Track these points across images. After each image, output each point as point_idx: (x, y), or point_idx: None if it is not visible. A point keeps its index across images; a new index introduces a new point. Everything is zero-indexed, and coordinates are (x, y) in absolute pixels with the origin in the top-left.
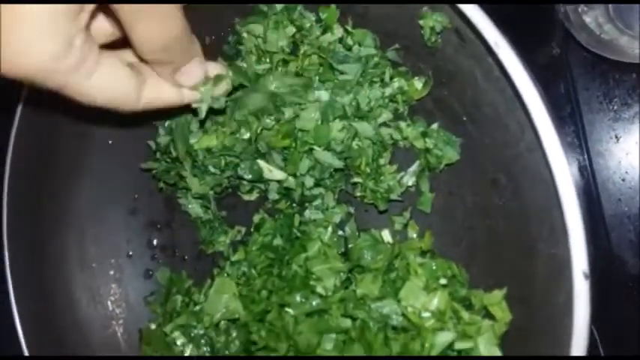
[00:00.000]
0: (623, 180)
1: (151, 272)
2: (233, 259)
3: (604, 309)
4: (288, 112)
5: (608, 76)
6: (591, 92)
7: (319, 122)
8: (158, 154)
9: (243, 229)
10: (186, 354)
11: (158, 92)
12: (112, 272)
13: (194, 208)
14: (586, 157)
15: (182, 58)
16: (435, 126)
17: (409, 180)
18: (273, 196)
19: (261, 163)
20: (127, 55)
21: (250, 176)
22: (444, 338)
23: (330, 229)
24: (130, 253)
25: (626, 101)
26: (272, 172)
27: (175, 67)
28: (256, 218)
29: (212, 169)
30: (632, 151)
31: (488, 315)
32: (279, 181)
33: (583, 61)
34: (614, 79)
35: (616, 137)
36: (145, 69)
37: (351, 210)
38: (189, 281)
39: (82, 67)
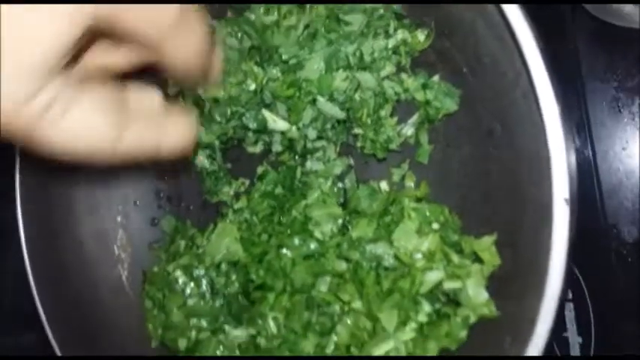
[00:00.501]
0: (624, 149)
1: (156, 220)
2: (236, 206)
3: (599, 276)
4: (292, 62)
5: (613, 44)
6: (595, 61)
7: (323, 72)
8: None
9: (247, 182)
10: (187, 292)
11: (141, 139)
12: (119, 219)
13: (200, 159)
14: (587, 127)
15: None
16: (436, 78)
17: (408, 131)
18: (276, 147)
19: (265, 113)
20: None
21: (255, 125)
22: (433, 277)
23: (330, 180)
24: (137, 201)
25: (629, 72)
26: (276, 122)
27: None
28: (260, 170)
29: (218, 118)
30: (632, 122)
31: (478, 260)
32: (282, 132)
33: (589, 28)
34: (619, 48)
35: (618, 107)
36: (131, 110)
37: (351, 162)
38: (194, 229)
39: (51, 109)
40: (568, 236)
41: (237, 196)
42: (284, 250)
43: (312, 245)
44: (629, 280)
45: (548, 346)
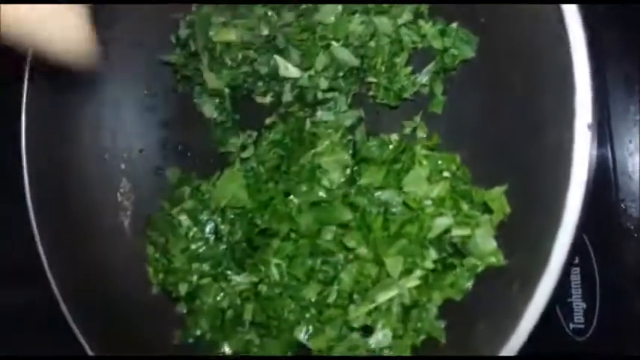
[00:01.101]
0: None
1: (161, 171)
2: (243, 155)
3: (607, 245)
4: (308, 5)
5: None
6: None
7: (339, 15)
8: (178, 50)
9: (255, 134)
10: (190, 236)
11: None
12: (123, 166)
13: (208, 108)
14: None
15: None
16: (454, 25)
17: (423, 78)
18: (286, 97)
19: (278, 58)
20: None
21: (266, 70)
22: (442, 223)
23: (340, 131)
24: (143, 149)
25: None
26: (288, 68)
27: None
28: (268, 121)
29: (229, 62)
30: None
31: (487, 210)
32: (293, 81)
33: None
34: None
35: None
36: None
37: (362, 115)
38: (198, 182)
39: None
40: (587, 171)
41: (244, 147)
42: (290, 197)
43: (320, 193)
44: (637, 254)
45: (551, 313)
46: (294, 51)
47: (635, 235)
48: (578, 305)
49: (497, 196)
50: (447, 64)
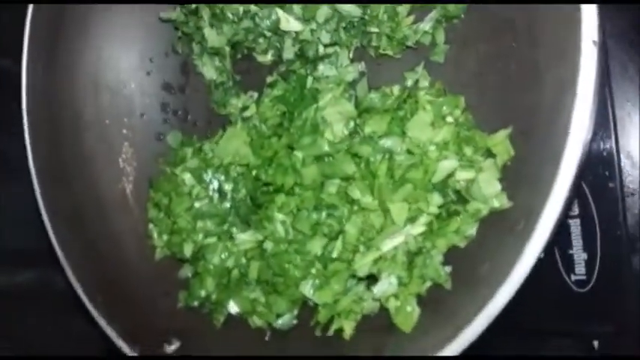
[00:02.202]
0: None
1: (162, 136)
2: (245, 115)
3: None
4: None
5: None
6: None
7: None
8: (177, 7)
9: (256, 94)
10: (194, 195)
11: None
12: (124, 131)
13: (208, 69)
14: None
15: None
16: None
17: (426, 26)
18: (288, 54)
19: (279, 11)
20: None
21: (268, 24)
22: (446, 165)
23: (342, 86)
24: (143, 113)
25: None
26: (289, 22)
27: None
28: (270, 79)
29: (230, 17)
30: None
31: (491, 155)
32: (295, 35)
33: None
34: None
35: None
36: None
37: (364, 70)
38: (200, 143)
39: None
40: (593, 93)
41: (245, 108)
42: (294, 151)
43: (323, 146)
44: (634, 210)
45: (554, 264)
46: (295, 6)
47: (633, 192)
48: (580, 256)
49: (500, 140)
50: (450, 12)
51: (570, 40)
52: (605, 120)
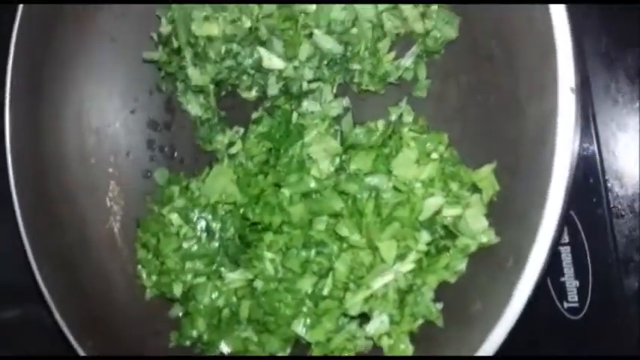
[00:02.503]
0: (617, 101)
1: (149, 173)
2: (231, 151)
3: (595, 223)
4: None
5: None
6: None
7: (320, 2)
8: (160, 47)
9: (242, 130)
10: (182, 235)
11: None
12: (110, 170)
13: (193, 106)
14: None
15: None
16: (434, 7)
17: (407, 62)
18: (272, 91)
19: (261, 50)
20: None
21: (250, 62)
22: (433, 203)
23: (327, 121)
24: (129, 151)
25: None
26: (271, 60)
27: None
28: (255, 115)
29: (213, 57)
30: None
31: (477, 190)
32: (278, 72)
33: None
34: None
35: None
36: None
37: (348, 105)
38: (187, 181)
39: None
40: (574, 128)
41: (231, 144)
42: (281, 189)
43: (310, 183)
44: (624, 231)
45: (545, 292)
46: (277, 42)
47: (622, 213)
48: (572, 284)
49: (485, 175)
50: (430, 47)
51: (548, 78)
52: (589, 141)
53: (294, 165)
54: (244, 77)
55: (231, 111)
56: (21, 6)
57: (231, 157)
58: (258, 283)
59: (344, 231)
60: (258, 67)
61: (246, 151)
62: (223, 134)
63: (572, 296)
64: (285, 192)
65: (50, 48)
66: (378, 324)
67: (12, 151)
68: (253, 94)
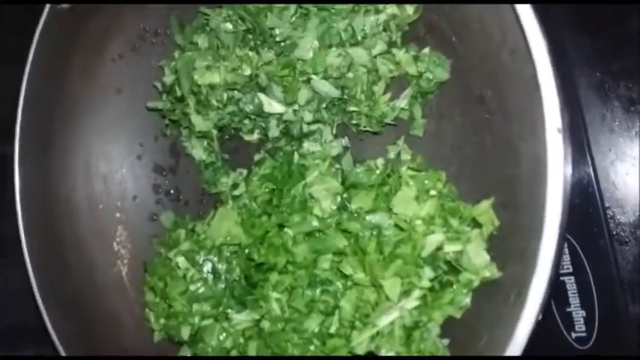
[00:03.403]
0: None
1: (155, 216)
2: (234, 193)
3: (598, 251)
4: (286, 42)
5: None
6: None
7: (317, 50)
8: (164, 96)
9: (245, 172)
10: (189, 278)
11: None
12: (117, 214)
13: (197, 150)
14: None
15: None
16: (426, 50)
17: (402, 103)
18: (273, 133)
19: (261, 96)
20: None
21: (252, 108)
22: (434, 240)
23: (327, 161)
24: (136, 196)
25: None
26: (272, 105)
27: None
28: (257, 157)
29: (215, 104)
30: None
31: (477, 225)
32: (279, 116)
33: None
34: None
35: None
36: None
37: (347, 144)
38: (193, 223)
39: None
40: (563, 175)
41: (235, 186)
42: (285, 229)
43: (313, 222)
44: (628, 258)
45: (552, 324)
46: (276, 87)
47: (626, 240)
48: (578, 314)
49: (484, 210)
50: (424, 88)
51: (537, 119)
52: (586, 172)
53: (297, 205)
54: (246, 121)
55: (234, 154)
56: (29, 62)
57: (235, 198)
58: (265, 324)
59: (348, 269)
60: (259, 111)
61: (250, 192)
62: (227, 176)
63: (580, 326)
64: (289, 232)
65: (58, 101)
66: None
67: (21, 199)
68: (255, 136)
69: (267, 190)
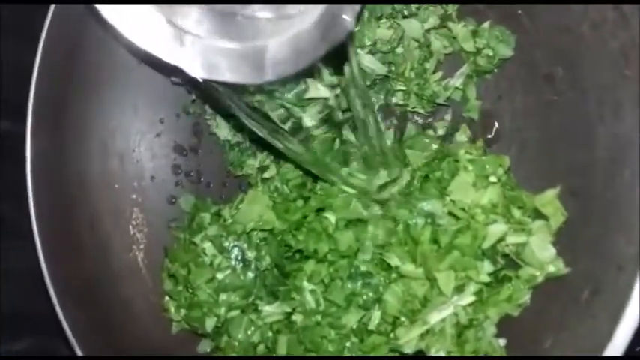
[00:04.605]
0: None
1: (174, 199)
2: (264, 176)
3: None
4: None
5: None
6: None
7: (365, 20)
8: None
9: (272, 157)
10: (215, 265)
11: None
12: (134, 196)
13: (222, 130)
14: None
15: None
16: (485, 25)
17: (457, 82)
18: (310, 121)
19: (308, 80)
20: None
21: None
22: (496, 230)
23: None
24: (154, 176)
25: None
26: (319, 89)
27: None
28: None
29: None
30: None
31: (540, 216)
32: (323, 100)
33: None
34: None
35: None
36: None
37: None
38: (215, 207)
39: None
40: None
41: (263, 169)
42: (324, 214)
43: (359, 208)
44: None
45: None
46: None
47: None
48: None
49: (549, 200)
50: (482, 67)
51: (624, 99)
52: None
53: (337, 189)
54: (281, 110)
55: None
56: (44, 31)
57: (265, 181)
58: (297, 317)
59: (394, 260)
60: (299, 99)
61: (281, 175)
62: (254, 158)
63: None
64: (330, 218)
65: (75, 70)
66: None
67: (32, 175)
68: (288, 125)
69: (300, 173)
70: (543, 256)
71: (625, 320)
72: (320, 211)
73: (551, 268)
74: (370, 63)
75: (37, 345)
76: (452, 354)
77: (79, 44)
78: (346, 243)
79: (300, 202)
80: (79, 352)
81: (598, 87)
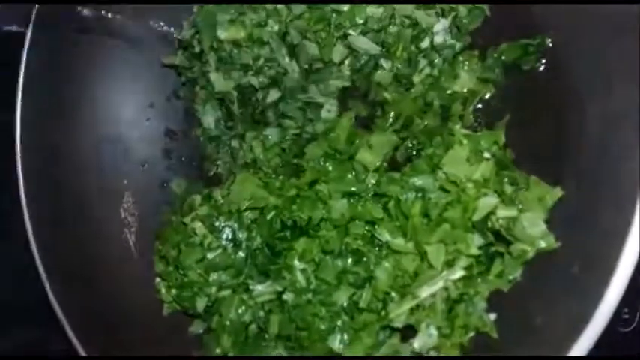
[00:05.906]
0: None
1: (165, 184)
2: (247, 160)
3: None
4: None
5: None
6: None
7: None
8: (180, 52)
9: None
10: (205, 244)
11: None
12: (125, 181)
13: (207, 117)
14: None
15: None
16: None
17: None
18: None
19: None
20: None
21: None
22: (487, 203)
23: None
24: (145, 161)
25: None
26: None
27: None
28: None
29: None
30: None
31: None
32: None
33: None
34: None
35: None
36: None
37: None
38: (208, 190)
39: None
40: None
41: (250, 149)
42: (317, 186)
43: (351, 183)
44: None
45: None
46: (309, 45)
47: None
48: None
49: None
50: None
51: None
52: None
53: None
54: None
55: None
56: (33, 16)
57: (252, 162)
58: (289, 296)
59: (385, 235)
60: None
61: (264, 155)
62: (231, 157)
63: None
64: (323, 188)
65: (64, 50)
66: (426, 337)
67: (22, 161)
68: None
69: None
70: (534, 231)
71: (612, 289)
72: (314, 183)
73: (542, 244)
74: (362, 43)
75: (31, 337)
76: (442, 329)
77: (70, 24)
78: (339, 211)
79: (293, 181)
80: (73, 338)
81: (585, 59)
